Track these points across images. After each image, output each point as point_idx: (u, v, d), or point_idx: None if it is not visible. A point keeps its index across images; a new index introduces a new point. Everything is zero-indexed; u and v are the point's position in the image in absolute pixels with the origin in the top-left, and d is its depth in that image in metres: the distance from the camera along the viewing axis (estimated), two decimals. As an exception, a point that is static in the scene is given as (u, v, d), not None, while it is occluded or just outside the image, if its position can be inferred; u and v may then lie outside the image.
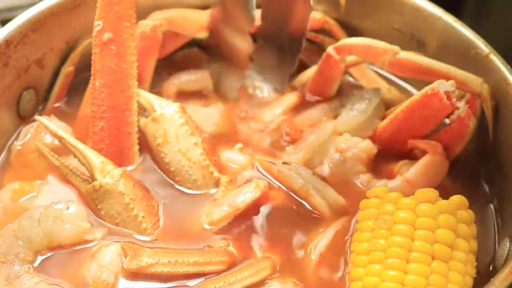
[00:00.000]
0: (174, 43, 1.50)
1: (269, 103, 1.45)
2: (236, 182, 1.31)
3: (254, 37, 1.45)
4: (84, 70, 1.37)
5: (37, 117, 1.33)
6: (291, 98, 1.44)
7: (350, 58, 1.40)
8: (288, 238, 1.25)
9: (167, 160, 1.30)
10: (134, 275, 1.17)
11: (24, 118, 1.40)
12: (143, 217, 1.23)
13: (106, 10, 1.30)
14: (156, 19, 1.43)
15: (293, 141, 1.37)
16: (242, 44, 1.42)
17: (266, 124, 1.41)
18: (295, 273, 1.20)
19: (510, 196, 1.28)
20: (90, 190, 1.23)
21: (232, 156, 1.35)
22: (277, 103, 1.44)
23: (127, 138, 1.32)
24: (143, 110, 1.35)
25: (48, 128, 1.28)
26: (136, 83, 1.33)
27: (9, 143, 1.37)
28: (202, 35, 1.48)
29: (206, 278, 1.18)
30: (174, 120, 1.30)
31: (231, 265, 1.20)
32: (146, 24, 1.41)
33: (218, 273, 1.18)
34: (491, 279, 1.09)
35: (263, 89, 1.47)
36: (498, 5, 1.54)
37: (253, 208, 1.27)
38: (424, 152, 1.31)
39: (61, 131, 1.27)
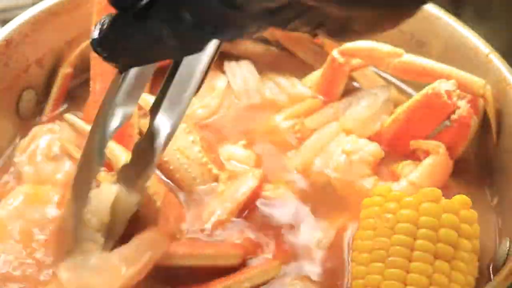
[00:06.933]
0: None
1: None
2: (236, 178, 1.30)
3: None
4: (85, 72, 1.38)
5: (66, 115, 1.35)
6: (309, 102, 1.43)
7: (355, 61, 1.40)
8: (290, 236, 1.24)
9: (166, 158, 1.30)
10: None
11: (24, 118, 1.39)
12: None
13: (103, 15, 1.30)
14: None
15: (302, 140, 1.36)
16: None
17: (277, 124, 1.40)
18: (298, 272, 1.20)
19: (510, 196, 1.28)
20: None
21: (234, 151, 1.35)
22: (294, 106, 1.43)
23: (129, 141, 1.31)
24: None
25: (76, 125, 1.31)
26: (135, 84, 1.34)
27: (9, 144, 1.36)
28: None
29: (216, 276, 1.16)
30: None
31: (244, 259, 1.19)
32: None
33: (231, 268, 1.17)
34: (491, 279, 1.09)
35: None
36: (498, 5, 1.55)
37: (254, 201, 1.27)
38: (426, 153, 1.31)
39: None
